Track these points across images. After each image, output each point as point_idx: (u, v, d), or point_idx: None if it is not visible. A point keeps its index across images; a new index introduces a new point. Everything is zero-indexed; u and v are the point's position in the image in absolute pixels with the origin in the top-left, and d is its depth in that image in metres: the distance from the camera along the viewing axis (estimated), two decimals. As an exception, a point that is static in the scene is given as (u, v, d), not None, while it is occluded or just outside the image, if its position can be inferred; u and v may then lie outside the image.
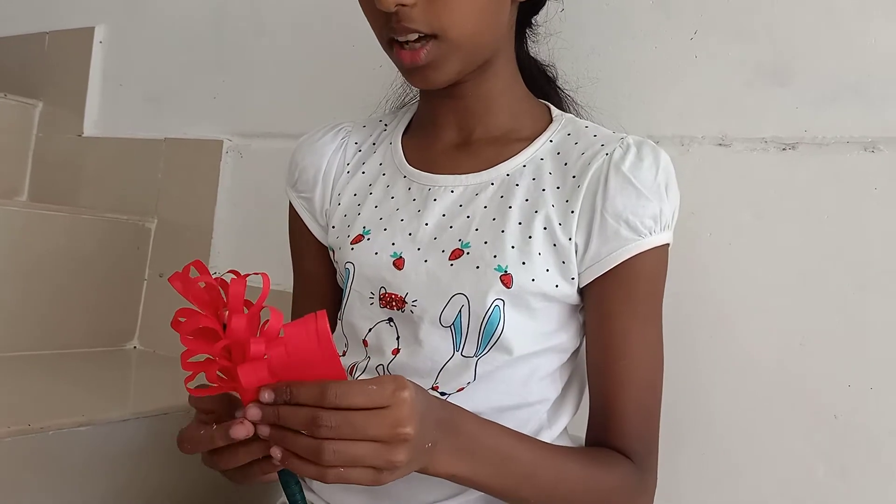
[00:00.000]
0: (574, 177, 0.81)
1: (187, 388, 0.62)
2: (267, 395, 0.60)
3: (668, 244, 0.82)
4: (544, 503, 0.75)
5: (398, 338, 0.82)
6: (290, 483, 0.65)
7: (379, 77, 1.03)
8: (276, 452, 0.61)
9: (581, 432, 0.87)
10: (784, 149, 0.95)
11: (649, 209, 0.78)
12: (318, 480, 0.60)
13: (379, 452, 0.59)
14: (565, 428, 0.85)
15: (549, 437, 0.82)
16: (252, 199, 1.39)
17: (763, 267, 0.94)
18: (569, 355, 0.84)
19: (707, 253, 0.97)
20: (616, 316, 0.80)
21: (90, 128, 1.62)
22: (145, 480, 1.01)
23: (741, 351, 0.95)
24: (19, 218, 1.28)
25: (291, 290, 1.00)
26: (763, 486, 0.93)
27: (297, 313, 0.99)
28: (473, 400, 0.77)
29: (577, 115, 0.95)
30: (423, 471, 0.66)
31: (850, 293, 0.90)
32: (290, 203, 0.97)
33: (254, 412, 0.60)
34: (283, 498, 0.92)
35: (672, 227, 0.82)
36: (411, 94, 1.00)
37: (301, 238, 0.97)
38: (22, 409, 0.95)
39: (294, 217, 0.97)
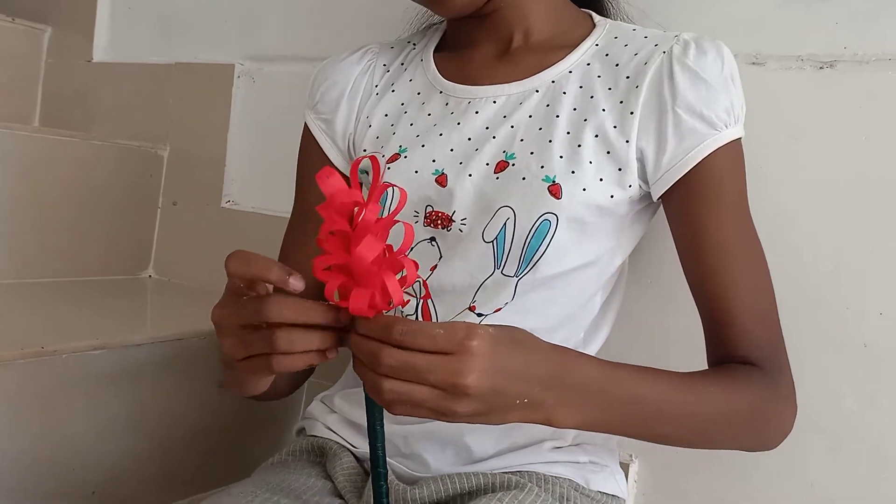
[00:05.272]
0: (628, 77, 0.78)
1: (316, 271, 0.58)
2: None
3: (741, 138, 0.77)
4: (686, 436, 0.72)
5: (439, 256, 0.80)
6: (372, 404, 0.64)
7: (396, -7, 0.98)
8: None
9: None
10: (821, 67, 0.91)
11: (721, 101, 0.75)
12: (386, 410, 0.59)
13: (438, 399, 0.57)
14: (597, 352, 0.84)
15: None
16: (265, 125, 1.36)
17: (796, 191, 0.91)
18: (609, 275, 0.82)
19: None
20: (707, 227, 0.76)
21: (100, 53, 1.59)
22: (159, 404, 1.01)
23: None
24: (31, 143, 1.26)
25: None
26: (788, 416, 0.91)
27: (290, 244, 0.93)
28: (509, 322, 0.75)
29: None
30: (546, 423, 0.63)
31: (888, 218, 0.87)
32: (307, 126, 0.93)
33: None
34: (300, 423, 0.92)
35: (742, 120, 0.77)
36: None
37: (316, 163, 0.91)
38: (35, 333, 0.94)
39: (309, 141, 0.93)
